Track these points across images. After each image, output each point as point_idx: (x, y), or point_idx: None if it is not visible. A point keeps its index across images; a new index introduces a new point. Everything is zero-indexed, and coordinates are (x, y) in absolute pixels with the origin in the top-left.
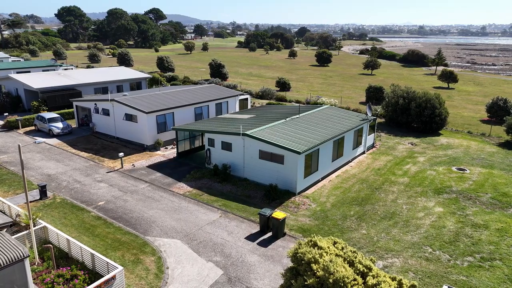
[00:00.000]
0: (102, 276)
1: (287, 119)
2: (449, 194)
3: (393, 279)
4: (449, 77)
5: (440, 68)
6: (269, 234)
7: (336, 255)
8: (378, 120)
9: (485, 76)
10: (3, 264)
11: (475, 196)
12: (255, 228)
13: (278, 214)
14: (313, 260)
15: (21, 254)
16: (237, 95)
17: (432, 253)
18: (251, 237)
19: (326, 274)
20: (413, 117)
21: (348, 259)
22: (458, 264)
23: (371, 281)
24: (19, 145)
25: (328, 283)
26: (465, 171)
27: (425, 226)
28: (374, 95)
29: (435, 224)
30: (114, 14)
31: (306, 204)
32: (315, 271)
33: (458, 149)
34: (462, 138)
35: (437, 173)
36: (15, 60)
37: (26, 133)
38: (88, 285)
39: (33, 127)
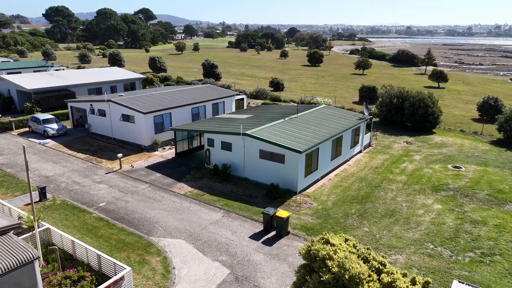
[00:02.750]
0: (109, 277)
1: (286, 118)
2: (446, 191)
3: (404, 275)
4: (439, 77)
5: (430, 68)
6: (273, 233)
7: (350, 251)
8: (373, 119)
9: (474, 75)
10: (14, 266)
11: (471, 193)
12: (259, 227)
13: (282, 213)
14: (327, 256)
15: (31, 256)
16: (233, 95)
17: (434, 249)
18: (255, 236)
19: (342, 271)
20: (407, 116)
21: (362, 255)
22: (460, 259)
23: (386, 278)
24: (23, 146)
25: (344, 279)
26: (461, 169)
27: (425, 223)
28: (367, 94)
29: (435, 221)
30: (103, 14)
31: (307, 203)
32: (330, 268)
33: (452, 147)
34: (455, 136)
35: (433, 171)
36: (4, 61)
37: (20, 134)
38: (96, 286)
39: (27, 129)
